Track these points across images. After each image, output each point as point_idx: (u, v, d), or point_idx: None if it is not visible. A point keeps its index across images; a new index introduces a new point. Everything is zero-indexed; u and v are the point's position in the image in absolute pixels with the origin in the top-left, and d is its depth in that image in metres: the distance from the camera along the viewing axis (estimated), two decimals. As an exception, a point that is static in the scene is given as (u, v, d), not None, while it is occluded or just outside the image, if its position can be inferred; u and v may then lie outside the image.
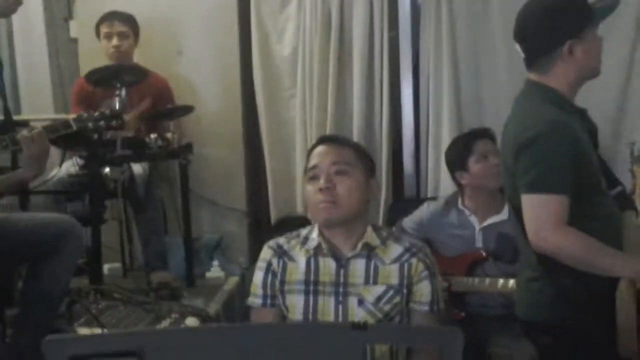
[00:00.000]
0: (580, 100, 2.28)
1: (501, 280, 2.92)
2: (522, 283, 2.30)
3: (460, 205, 3.15)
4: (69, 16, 4.56)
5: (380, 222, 3.77)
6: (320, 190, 2.13)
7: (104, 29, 3.93)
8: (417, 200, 3.70)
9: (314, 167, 2.18)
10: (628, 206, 2.29)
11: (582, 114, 2.24)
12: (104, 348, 1.08)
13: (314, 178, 2.16)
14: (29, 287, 2.74)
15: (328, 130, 3.88)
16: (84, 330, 2.70)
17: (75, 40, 4.40)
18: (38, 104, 4.36)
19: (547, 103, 2.17)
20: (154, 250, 3.78)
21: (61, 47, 4.52)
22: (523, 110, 2.24)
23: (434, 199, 3.54)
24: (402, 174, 3.99)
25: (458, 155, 3.14)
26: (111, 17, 3.94)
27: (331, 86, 3.89)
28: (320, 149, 2.22)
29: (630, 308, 1.99)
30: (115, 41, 3.87)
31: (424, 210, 3.34)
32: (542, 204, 2.08)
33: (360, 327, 1.12)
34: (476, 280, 2.99)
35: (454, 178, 3.20)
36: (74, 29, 4.44)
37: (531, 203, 2.10)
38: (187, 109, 3.78)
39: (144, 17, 4.11)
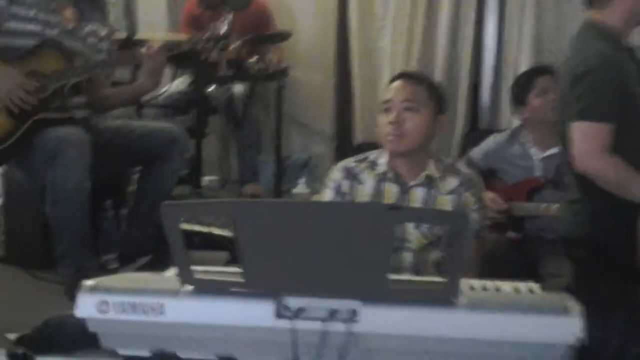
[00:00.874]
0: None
1: (556, 205, 3.14)
2: (564, 204, 2.58)
3: (522, 138, 3.31)
4: None
5: (456, 149, 4.05)
6: (390, 123, 2.35)
7: None
8: (492, 132, 3.88)
9: (388, 100, 2.38)
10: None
11: (630, 51, 2.44)
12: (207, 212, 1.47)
13: (387, 110, 2.38)
14: (141, 187, 3.15)
15: (415, 61, 4.13)
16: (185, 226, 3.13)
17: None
18: (153, 22, 4.59)
19: (599, 39, 2.37)
20: (248, 165, 4.11)
21: None
22: (579, 46, 2.45)
23: (501, 131, 3.78)
24: (478, 105, 4.19)
25: (520, 90, 3.31)
26: None
27: (420, 19, 4.12)
28: (396, 83, 2.41)
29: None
30: None
31: (490, 142, 3.54)
32: (589, 131, 2.31)
33: (395, 207, 1.47)
34: (534, 205, 3.23)
35: (517, 112, 3.43)
36: None
37: (579, 129, 2.33)
38: (285, 35, 4.03)
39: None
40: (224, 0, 3.76)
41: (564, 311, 1.49)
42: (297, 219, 1.53)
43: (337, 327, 1.51)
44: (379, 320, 1.51)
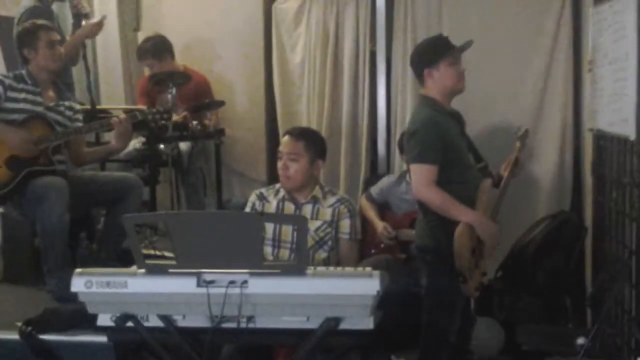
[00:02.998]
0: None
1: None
2: (417, 222, 3.46)
3: (407, 179, 4.11)
4: (137, 27, 5.60)
5: (360, 189, 4.87)
6: (280, 168, 3.31)
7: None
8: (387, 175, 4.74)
9: (279, 151, 3.36)
10: (487, 175, 3.40)
11: (453, 114, 3.38)
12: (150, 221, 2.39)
13: (279, 158, 3.33)
14: (106, 223, 4.02)
15: (325, 121, 4.96)
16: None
17: (141, 47, 5.43)
18: (113, 96, 5.42)
19: (425, 106, 3.31)
20: (195, 207, 4.83)
21: (130, 52, 5.49)
22: (414, 111, 3.44)
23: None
24: (377, 155, 5.03)
25: (400, 145, 4.27)
26: (142, 57, 5.01)
27: (328, 87, 4.97)
28: (284, 139, 3.35)
29: (462, 241, 3.12)
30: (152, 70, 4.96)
31: (384, 181, 4.48)
32: (420, 171, 3.21)
33: (261, 214, 2.44)
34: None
35: (402, 159, 4.34)
36: (141, 37, 5.37)
37: (414, 169, 3.24)
38: (220, 103, 4.85)
39: (192, 32, 5.31)
40: (169, 77, 4.58)
41: (370, 275, 2.44)
42: (208, 223, 2.48)
43: (235, 291, 2.39)
44: (260, 285, 2.41)
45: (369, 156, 5.00)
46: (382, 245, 4.28)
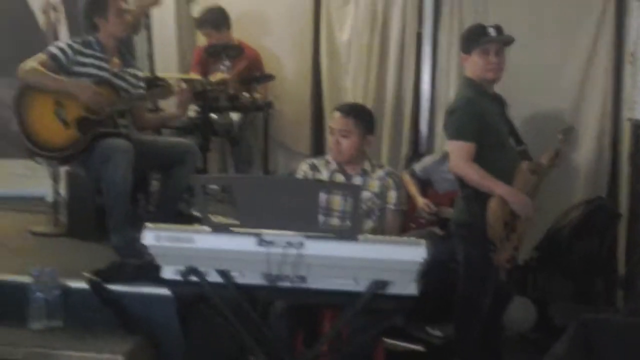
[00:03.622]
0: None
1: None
2: (456, 200, 3.67)
3: None
4: None
5: (401, 167, 5.02)
6: (333, 143, 3.48)
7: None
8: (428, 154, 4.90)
9: (330, 126, 3.54)
10: (526, 158, 3.56)
11: (494, 96, 3.55)
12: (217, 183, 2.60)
13: (331, 133, 3.50)
14: (164, 184, 4.20)
15: (369, 97, 5.12)
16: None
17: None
18: (167, 64, 5.46)
19: (466, 87, 3.50)
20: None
21: (184, 22, 5.66)
22: (457, 91, 3.63)
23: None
24: (419, 134, 5.20)
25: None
26: (201, 26, 5.24)
27: (373, 65, 5.12)
28: (335, 115, 3.50)
29: (495, 212, 3.32)
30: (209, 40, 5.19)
31: (427, 160, 4.62)
32: (457, 147, 3.40)
33: (318, 181, 2.66)
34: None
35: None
36: (195, 9, 5.52)
37: (451, 146, 3.44)
38: (270, 77, 5.04)
39: (245, 6, 5.44)
40: (224, 50, 4.79)
41: (418, 243, 2.63)
42: (270, 187, 2.70)
43: (292, 251, 2.58)
44: (315, 247, 2.58)
45: (411, 135, 5.15)
46: (422, 221, 4.45)
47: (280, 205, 2.62)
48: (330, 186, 3.26)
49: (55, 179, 4.53)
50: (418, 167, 4.62)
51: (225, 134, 4.98)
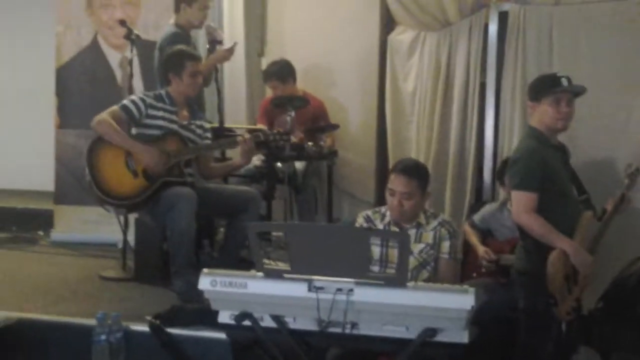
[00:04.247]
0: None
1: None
2: (517, 248, 3.66)
3: (508, 206, 4.25)
4: (261, 53, 6.05)
5: (465, 215, 5.02)
6: (395, 204, 3.48)
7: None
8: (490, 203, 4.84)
9: (391, 189, 3.50)
10: (589, 208, 3.55)
11: (557, 146, 3.55)
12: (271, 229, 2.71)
13: (391, 194, 3.49)
14: (228, 232, 4.36)
15: (433, 148, 5.16)
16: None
17: (264, 71, 5.77)
18: (236, 116, 5.80)
19: (530, 137, 3.51)
20: None
21: (254, 75, 5.92)
22: (520, 141, 3.63)
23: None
24: (482, 183, 5.17)
25: (500, 174, 4.45)
26: (268, 79, 5.41)
27: (437, 116, 5.16)
28: (397, 178, 3.46)
29: (556, 265, 3.30)
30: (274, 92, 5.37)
31: (486, 209, 4.60)
32: (521, 197, 3.40)
33: (369, 229, 2.72)
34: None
35: (501, 188, 4.52)
36: (265, 63, 5.83)
37: (514, 196, 3.45)
38: (334, 127, 5.17)
39: (313, 59, 5.64)
40: (289, 101, 4.92)
41: (466, 291, 2.65)
42: (321, 235, 2.77)
43: (342, 297, 2.64)
44: (364, 294, 2.64)
45: (474, 183, 5.14)
46: (483, 270, 4.42)
47: (331, 252, 2.69)
48: (378, 233, 3.31)
49: (124, 226, 4.71)
50: (477, 217, 4.63)
51: (290, 182, 5.08)
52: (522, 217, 3.42)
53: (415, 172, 3.51)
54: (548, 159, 3.45)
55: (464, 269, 4.52)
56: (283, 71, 5.36)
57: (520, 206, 3.42)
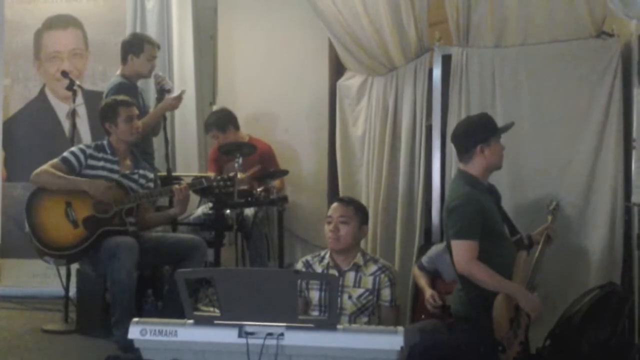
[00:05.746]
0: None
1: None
2: (454, 292, 3.67)
3: None
4: (213, 101, 6.05)
5: (414, 257, 5.00)
6: (331, 231, 3.59)
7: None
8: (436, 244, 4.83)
9: (329, 216, 3.64)
10: (522, 248, 3.59)
11: (490, 189, 3.60)
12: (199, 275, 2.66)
13: (329, 222, 3.62)
14: (172, 280, 4.33)
15: (382, 191, 5.17)
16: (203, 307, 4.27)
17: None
18: (188, 164, 5.84)
19: (464, 184, 3.52)
20: None
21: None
22: (452, 187, 3.63)
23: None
24: (431, 224, 5.19)
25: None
26: (207, 129, 5.47)
27: (385, 159, 5.18)
28: (335, 205, 3.63)
29: (502, 311, 3.31)
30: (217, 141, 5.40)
31: (433, 250, 4.58)
32: (461, 246, 3.41)
33: (297, 271, 2.70)
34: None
35: None
36: None
37: (455, 245, 3.45)
38: (284, 172, 5.17)
39: (263, 106, 5.71)
40: (237, 148, 4.91)
41: (395, 332, 2.63)
42: (249, 279, 2.75)
43: (272, 342, 2.60)
44: (295, 337, 2.61)
45: (423, 225, 5.15)
46: (432, 311, 4.43)
47: (260, 297, 2.67)
48: (306, 275, 3.30)
49: (67, 277, 4.65)
50: (425, 259, 4.63)
51: (240, 229, 5.06)
52: (465, 266, 3.40)
53: (351, 201, 3.67)
54: (484, 203, 3.47)
55: (414, 311, 4.54)
56: (222, 120, 5.42)
57: (462, 256, 3.41)
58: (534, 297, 3.40)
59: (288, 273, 2.85)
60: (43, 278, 5.36)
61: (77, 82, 4.76)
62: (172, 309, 4.11)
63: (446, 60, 5.08)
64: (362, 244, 4.36)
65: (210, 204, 4.86)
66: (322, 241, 5.39)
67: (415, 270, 4.59)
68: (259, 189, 4.95)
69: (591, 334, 4.16)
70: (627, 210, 4.61)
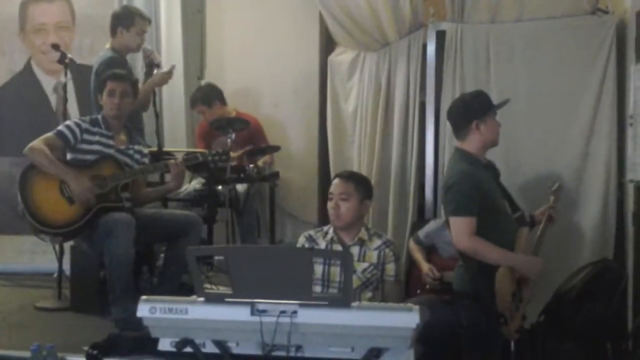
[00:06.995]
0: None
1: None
2: (456, 269, 3.68)
3: None
4: (201, 76, 5.95)
5: (408, 232, 5.02)
6: (332, 207, 3.56)
7: None
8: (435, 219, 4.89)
9: (330, 193, 3.61)
10: (524, 224, 3.60)
11: (488, 165, 3.58)
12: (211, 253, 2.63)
13: (330, 199, 3.58)
14: (167, 257, 4.28)
15: (374, 168, 5.15)
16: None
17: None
18: (176, 139, 5.71)
19: (461, 161, 3.52)
20: None
21: None
22: (450, 165, 3.64)
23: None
24: (424, 200, 5.19)
25: None
26: (193, 104, 5.40)
27: (378, 135, 5.16)
28: (335, 181, 3.60)
29: (503, 282, 3.33)
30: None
31: (431, 225, 4.62)
32: (459, 222, 3.42)
33: (310, 249, 2.67)
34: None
35: None
36: None
37: (453, 222, 3.45)
38: (275, 148, 5.15)
39: (253, 81, 5.66)
40: (229, 123, 4.88)
41: (410, 309, 2.63)
42: (263, 257, 2.71)
43: (285, 320, 2.57)
44: (308, 315, 2.58)
45: (416, 201, 5.15)
46: (428, 286, 4.42)
47: (273, 275, 2.63)
48: (321, 253, 3.28)
49: (59, 254, 4.57)
50: (422, 233, 4.63)
51: (231, 205, 5.02)
52: (467, 242, 3.41)
53: (352, 177, 3.62)
54: (482, 179, 3.48)
55: (408, 285, 4.53)
56: (208, 95, 5.38)
57: (460, 232, 3.42)
58: (534, 259, 3.44)
59: (303, 251, 2.83)
60: (31, 255, 5.27)
61: (69, 55, 4.65)
62: (168, 286, 4.10)
63: (440, 36, 5.05)
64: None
65: (203, 180, 4.81)
66: (313, 217, 5.55)
67: (411, 244, 4.59)
68: (251, 165, 4.93)
69: (586, 310, 4.19)
70: (620, 187, 4.65)
